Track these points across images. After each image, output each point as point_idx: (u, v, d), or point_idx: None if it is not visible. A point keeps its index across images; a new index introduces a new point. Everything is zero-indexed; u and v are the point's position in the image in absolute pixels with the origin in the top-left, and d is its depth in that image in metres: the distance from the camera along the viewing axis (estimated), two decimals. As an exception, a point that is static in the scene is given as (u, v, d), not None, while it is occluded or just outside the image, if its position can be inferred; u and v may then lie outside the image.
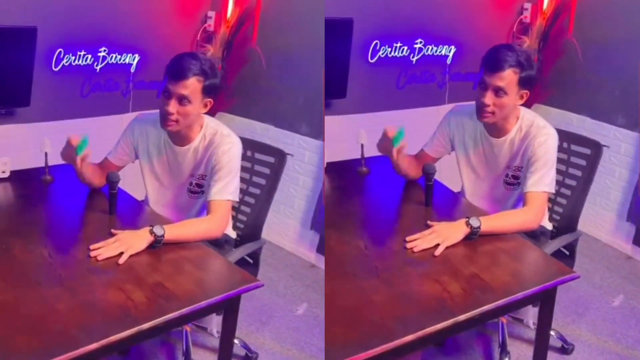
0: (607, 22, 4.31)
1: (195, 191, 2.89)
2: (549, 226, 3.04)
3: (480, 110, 2.78)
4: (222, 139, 2.80)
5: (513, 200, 2.97)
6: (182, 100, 2.68)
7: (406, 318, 2.13)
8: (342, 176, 3.33)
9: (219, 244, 2.84)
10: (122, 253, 2.43)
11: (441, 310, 2.16)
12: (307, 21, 4.08)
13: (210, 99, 2.74)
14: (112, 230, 2.56)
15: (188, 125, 2.77)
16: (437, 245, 2.49)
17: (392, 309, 2.18)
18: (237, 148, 2.81)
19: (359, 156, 3.35)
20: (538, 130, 2.83)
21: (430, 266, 2.41)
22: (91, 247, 2.44)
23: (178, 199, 2.93)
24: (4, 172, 3.27)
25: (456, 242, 2.53)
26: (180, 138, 2.82)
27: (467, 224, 2.56)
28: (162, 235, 2.51)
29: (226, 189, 2.76)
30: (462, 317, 2.14)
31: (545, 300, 2.47)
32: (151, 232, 2.51)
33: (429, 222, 2.64)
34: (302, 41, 4.13)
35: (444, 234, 2.53)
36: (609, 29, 4.28)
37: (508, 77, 2.72)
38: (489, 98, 2.74)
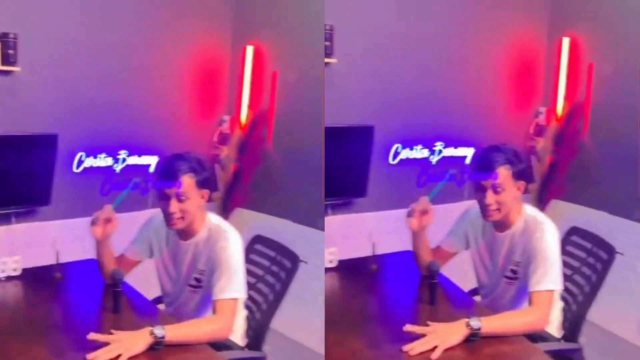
0: (621, 124, 4.34)
1: (194, 285, 2.89)
2: (555, 333, 2.92)
3: (485, 210, 2.83)
4: (220, 234, 2.83)
5: (511, 297, 2.92)
6: (180, 198, 2.77)
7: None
8: (354, 273, 3.40)
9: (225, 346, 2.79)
10: (119, 355, 2.37)
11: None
12: (310, 125, 4.26)
13: (206, 190, 2.85)
14: (112, 331, 2.50)
15: (191, 221, 2.83)
16: (435, 347, 2.41)
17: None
18: (235, 244, 2.83)
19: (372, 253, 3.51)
20: (536, 225, 2.83)
21: (427, 370, 2.31)
22: (88, 357, 2.36)
23: (182, 294, 2.94)
24: (15, 269, 3.34)
25: (455, 344, 2.45)
26: (184, 233, 2.89)
27: (467, 324, 2.49)
28: (163, 337, 2.45)
29: (230, 286, 2.74)
30: None
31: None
32: (151, 332, 2.45)
33: (428, 322, 2.55)
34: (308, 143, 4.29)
35: (442, 336, 2.46)
36: (623, 130, 4.29)
37: (501, 174, 2.79)
38: (490, 197, 2.80)
